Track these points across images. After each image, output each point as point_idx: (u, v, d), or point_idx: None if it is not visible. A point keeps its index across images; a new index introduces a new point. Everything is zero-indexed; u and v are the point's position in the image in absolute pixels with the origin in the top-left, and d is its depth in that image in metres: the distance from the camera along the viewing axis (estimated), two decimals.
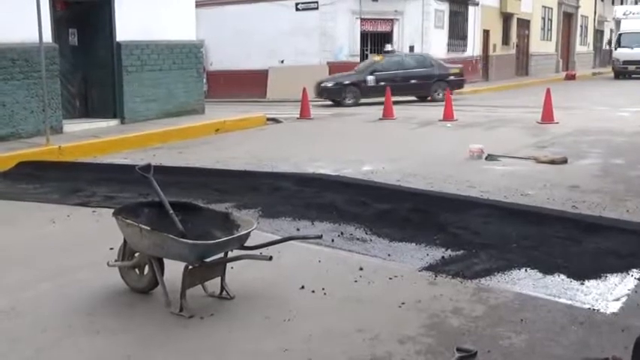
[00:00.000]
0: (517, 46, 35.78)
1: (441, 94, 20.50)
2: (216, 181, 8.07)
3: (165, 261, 4.35)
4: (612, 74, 35.35)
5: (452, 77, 21.72)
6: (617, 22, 38.01)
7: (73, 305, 4.38)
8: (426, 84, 21.43)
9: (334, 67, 24.83)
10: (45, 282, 4.82)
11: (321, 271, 4.99)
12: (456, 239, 5.63)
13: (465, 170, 8.95)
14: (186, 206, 4.76)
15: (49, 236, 6.18)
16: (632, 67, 33.16)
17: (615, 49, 35.08)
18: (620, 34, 35.49)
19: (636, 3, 45.47)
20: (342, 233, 5.94)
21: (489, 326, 3.96)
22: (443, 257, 5.25)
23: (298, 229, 6.08)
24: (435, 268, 4.99)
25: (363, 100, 20.50)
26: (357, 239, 5.80)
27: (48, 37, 11.19)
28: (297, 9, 25.48)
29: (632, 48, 33.24)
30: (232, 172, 8.72)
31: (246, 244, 4.39)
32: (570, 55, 42.98)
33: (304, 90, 16.90)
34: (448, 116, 15.32)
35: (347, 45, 25.31)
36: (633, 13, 36.35)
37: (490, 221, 6.08)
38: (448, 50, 28.61)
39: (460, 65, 23.02)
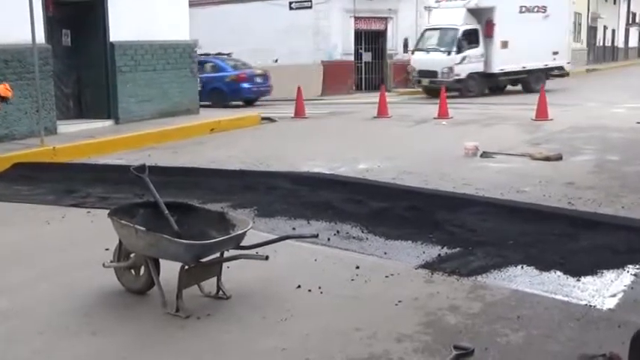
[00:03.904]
0: None
1: None
2: (212, 180, 8.05)
3: (161, 261, 4.33)
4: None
5: None
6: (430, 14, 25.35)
7: (70, 306, 4.36)
8: None
9: (328, 66, 24.82)
10: (41, 283, 4.81)
11: (317, 270, 4.99)
12: (452, 237, 5.64)
13: (461, 168, 8.95)
14: (181, 206, 4.75)
15: (44, 237, 6.16)
16: (425, 81, 22.13)
17: (412, 52, 23.28)
18: (423, 31, 23.72)
19: None
20: (338, 232, 5.93)
21: (486, 323, 3.96)
22: (439, 255, 5.25)
23: (294, 228, 6.07)
24: (431, 266, 4.99)
25: None
26: (353, 238, 5.79)
27: (41, 38, 11.14)
28: (290, 8, 25.46)
29: (427, 52, 22.09)
30: (227, 171, 8.70)
31: (242, 244, 4.38)
32: None
33: (299, 89, 16.88)
34: (443, 114, 15.34)
35: (341, 44, 25.29)
36: (447, 0, 23.19)
37: (486, 218, 6.08)
38: None
39: None
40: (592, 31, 50.00)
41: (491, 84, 22.39)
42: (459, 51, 21.32)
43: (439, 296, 4.41)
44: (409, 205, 6.51)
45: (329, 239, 5.71)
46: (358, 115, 16.88)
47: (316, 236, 4.90)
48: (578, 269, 4.78)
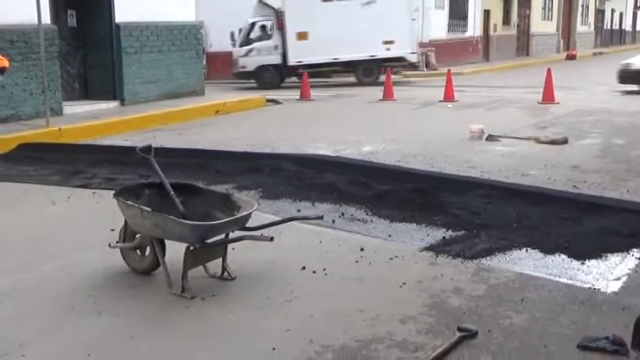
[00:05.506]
0: (518, 26, 35.62)
1: None
2: (217, 162, 8.06)
3: (167, 242, 4.35)
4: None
5: None
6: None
7: (75, 286, 4.39)
8: None
9: None
10: (46, 263, 4.83)
11: (322, 252, 5.00)
12: (457, 219, 5.64)
13: (466, 150, 8.94)
14: (186, 187, 4.76)
15: (50, 218, 6.19)
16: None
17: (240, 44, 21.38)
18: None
19: None
20: (342, 214, 5.94)
21: (490, 306, 3.97)
22: (443, 237, 5.25)
23: (299, 210, 6.08)
24: (435, 249, 5.00)
25: None
26: (358, 220, 5.80)
27: (47, 18, 11.13)
28: None
29: (241, 46, 21.10)
30: (233, 153, 8.70)
31: (247, 225, 4.40)
32: (571, 35, 42.80)
33: (305, 72, 16.85)
34: (448, 97, 15.29)
35: None
36: None
37: (491, 201, 6.08)
38: (449, 30, 28.47)
39: None
40: (600, 14, 49.69)
41: (291, 75, 20.99)
42: (244, 43, 20.81)
43: (443, 279, 4.42)
44: (414, 187, 6.51)
45: (334, 221, 5.72)
46: (364, 97, 16.83)
47: (321, 218, 4.92)
48: (582, 252, 4.79)
